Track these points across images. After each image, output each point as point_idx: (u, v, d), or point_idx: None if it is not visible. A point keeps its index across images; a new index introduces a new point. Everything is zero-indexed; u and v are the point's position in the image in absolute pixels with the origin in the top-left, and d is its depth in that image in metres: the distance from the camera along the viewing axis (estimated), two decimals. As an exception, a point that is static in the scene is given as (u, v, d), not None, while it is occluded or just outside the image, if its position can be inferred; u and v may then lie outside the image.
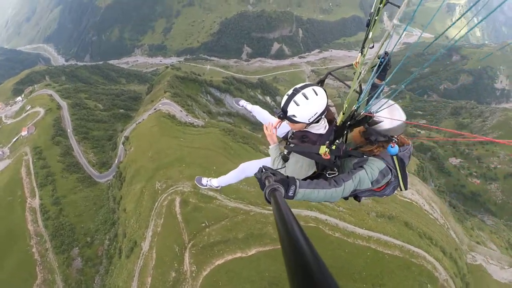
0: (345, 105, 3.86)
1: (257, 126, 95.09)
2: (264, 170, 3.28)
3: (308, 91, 3.84)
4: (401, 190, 3.83)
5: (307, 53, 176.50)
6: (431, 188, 67.32)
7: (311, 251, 1.13)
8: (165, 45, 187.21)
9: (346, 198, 4.24)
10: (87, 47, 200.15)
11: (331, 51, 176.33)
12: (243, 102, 7.01)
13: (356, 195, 4.08)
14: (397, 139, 3.64)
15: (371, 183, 3.64)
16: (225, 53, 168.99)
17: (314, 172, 4.32)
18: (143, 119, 77.44)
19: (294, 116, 3.91)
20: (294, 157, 4.23)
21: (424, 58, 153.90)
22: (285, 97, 3.92)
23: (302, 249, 1.14)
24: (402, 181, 3.73)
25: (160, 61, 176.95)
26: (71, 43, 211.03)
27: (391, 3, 3.11)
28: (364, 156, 3.84)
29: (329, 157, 3.86)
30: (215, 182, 6.18)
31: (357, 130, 4.06)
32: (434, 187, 73.93)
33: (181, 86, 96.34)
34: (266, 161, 4.97)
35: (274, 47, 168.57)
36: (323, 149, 3.89)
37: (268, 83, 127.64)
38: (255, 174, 3.46)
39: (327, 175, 4.18)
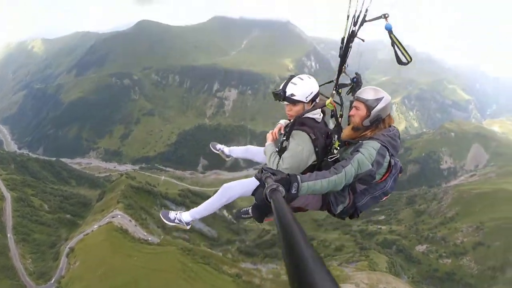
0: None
1: (215, 243, 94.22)
2: (264, 171, 3.44)
3: (302, 75, 4.39)
4: (407, 61, 3.85)
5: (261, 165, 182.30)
6: (406, 281, 67.96)
7: (311, 251, 1.12)
8: (122, 151, 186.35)
9: (343, 218, 4.41)
10: (42, 139, 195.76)
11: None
12: (220, 146, 6.76)
13: (354, 210, 4.15)
14: (388, 15, 3.73)
15: (371, 164, 3.70)
16: (181, 164, 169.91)
17: (314, 165, 4.39)
18: (92, 231, 74.80)
19: (292, 95, 4.27)
20: (294, 140, 4.32)
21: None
22: (283, 83, 4.34)
23: (302, 250, 1.14)
24: (404, 51, 3.82)
25: (114, 167, 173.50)
26: (27, 131, 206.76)
27: (368, 19, 3.80)
28: (359, 142, 3.95)
29: (334, 104, 4.36)
30: (187, 216, 5.34)
31: (349, 127, 4.20)
32: (408, 279, 74.73)
33: (135, 197, 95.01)
34: (251, 182, 4.86)
35: (229, 160, 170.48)
36: (329, 100, 4.39)
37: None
38: (256, 174, 3.68)
39: (328, 159, 4.30)
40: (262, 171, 3.47)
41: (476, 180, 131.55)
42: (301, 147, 4.24)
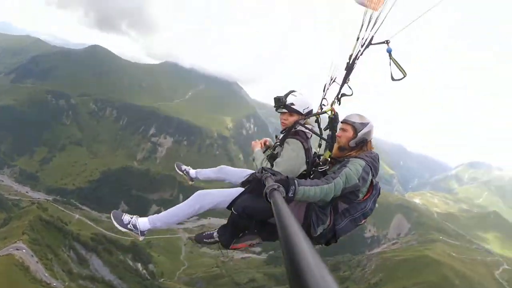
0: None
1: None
2: (264, 170, 3.62)
3: (302, 91, 4.82)
4: (403, 76, 4.29)
5: (185, 221, 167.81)
6: None
7: (311, 251, 1.12)
8: (38, 176, 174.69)
9: (320, 243, 4.48)
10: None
11: (210, 219, 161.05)
12: (185, 167, 6.39)
13: (333, 235, 4.27)
14: (389, 41, 4.28)
15: (358, 179, 3.92)
16: (99, 205, 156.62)
17: (304, 175, 4.62)
18: (-11, 260, 68.25)
19: (292, 104, 4.67)
20: (289, 146, 4.55)
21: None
22: (283, 94, 4.78)
23: (303, 251, 1.13)
24: (401, 68, 4.23)
25: (27, 192, 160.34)
26: None
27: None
28: (345, 159, 4.23)
29: (335, 111, 4.74)
30: (144, 222, 4.51)
31: (336, 147, 4.49)
32: None
33: (44, 231, 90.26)
34: (230, 192, 4.57)
35: (152, 209, 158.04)
36: (330, 108, 4.84)
37: (141, 247, 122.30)
38: (256, 174, 3.80)
39: (318, 169, 4.55)
40: (262, 171, 3.65)
41: (398, 247, 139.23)
42: (296, 153, 4.50)
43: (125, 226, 4.47)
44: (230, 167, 5.80)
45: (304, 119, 4.82)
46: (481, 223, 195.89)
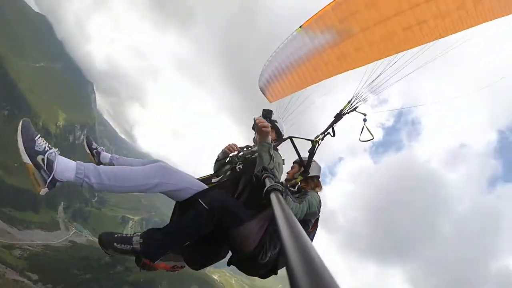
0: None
1: None
2: (264, 170, 3.38)
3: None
4: (371, 139, 5.20)
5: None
6: None
7: (312, 249, 1.09)
8: None
9: (260, 274, 4.01)
10: None
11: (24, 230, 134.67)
12: (96, 146, 4.63)
13: (273, 266, 3.91)
14: (367, 114, 5.35)
15: (316, 207, 4.16)
16: None
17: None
18: None
19: (276, 122, 4.95)
20: (276, 156, 4.34)
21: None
22: (267, 110, 4.89)
23: (302, 249, 1.09)
24: (370, 133, 4.99)
25: None
26: None
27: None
28: (304, 191, 4.47)
29: (319, 141, 5.06)
30: (69, 168, 2.86)
31: (284, 180, 4.84)
32: None
33: None
34: (194, 182, 3.72)
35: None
36: (316, 138, 5.04)
37: None
38: (256, 173, 3.50)
39: (290, 189, 4.52)
40: (262, 171, 3.36)
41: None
42: (280, 166, 4.40)
43: (33, 155, 2.70)
44: (168, 164, 4.09)
45: (279, 140, 5.07)
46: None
